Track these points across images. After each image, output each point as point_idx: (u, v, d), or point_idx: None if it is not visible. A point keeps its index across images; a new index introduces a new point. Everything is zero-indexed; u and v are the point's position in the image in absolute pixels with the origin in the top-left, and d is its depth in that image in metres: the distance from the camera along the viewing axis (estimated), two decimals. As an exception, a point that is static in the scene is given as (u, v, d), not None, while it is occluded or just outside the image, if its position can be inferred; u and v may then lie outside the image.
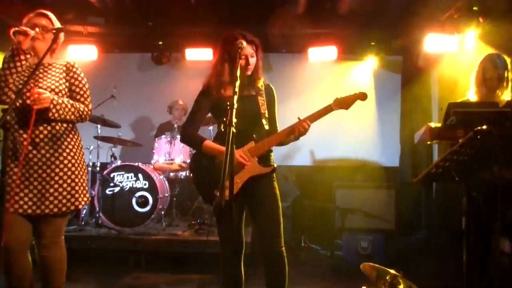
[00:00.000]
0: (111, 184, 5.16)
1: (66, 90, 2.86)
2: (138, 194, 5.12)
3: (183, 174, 5.68)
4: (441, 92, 6.30)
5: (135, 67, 6.93)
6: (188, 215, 5.85)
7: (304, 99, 6.34)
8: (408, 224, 5.77)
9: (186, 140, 3.01)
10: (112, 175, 5.19)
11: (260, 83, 2.94)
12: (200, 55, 6.30)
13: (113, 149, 5.72)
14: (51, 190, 2.74)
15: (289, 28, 5.83)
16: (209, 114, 3.08)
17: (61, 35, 2.85)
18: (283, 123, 2.99)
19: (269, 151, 2.93)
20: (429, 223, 6.11)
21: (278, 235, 2.85)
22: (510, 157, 2.50)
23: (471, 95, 3.27)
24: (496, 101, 3.13)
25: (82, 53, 6.20)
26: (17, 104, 2.71)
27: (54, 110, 2.70)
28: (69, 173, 2.81)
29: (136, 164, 5.27)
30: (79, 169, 2.88)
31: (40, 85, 2.75)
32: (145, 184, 5.15)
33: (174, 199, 5.71)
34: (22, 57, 2.64)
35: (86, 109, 2.91)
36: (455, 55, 5.46)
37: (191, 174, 3.08)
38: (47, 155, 2.75)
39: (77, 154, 2.89)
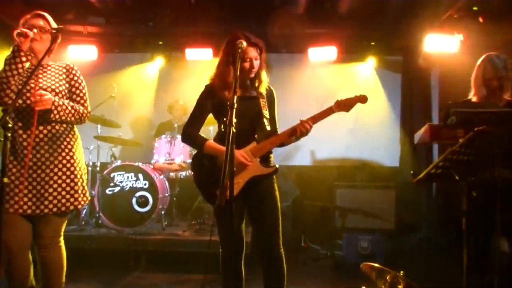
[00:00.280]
0: (111, 184, 5.16)
1: (66, 91, 2.88)
2: (138, 194, 5.12)
3: (183, 174, 5.68)
4: (441, 92, 6.31)
5: (134, 67, 6.92)
6: (188, 215, 5.86)
7: (304, 99, 6.34)
8: (408, 224, 5.77)
9: (188, 140, 3.02)
10: (112, 175, 5.19)
11: (264, 87, 2.96)
12: (200, 55, 6.29)
13: (113, 149, 5.73)
14: (50, 190, 2.76)
15: (289, 28, 5.84)
16: (210, 115, 3.08)
17: (60, 35, 2.86)
18: (283, 123, 3.00)
19: (269, 151, 2.94)
20: (429, 223, 6.11)
21: (276, 236, 2.87)
22: (509, 157, 2.51)
23: (472, 95, 3.28)
24: (496, 102, 3.14)
25: (82, 53, 6.21)
26: (17, 104, 2.72)
27: (55, 112, 2.72)
28: (68, 173, 2.82)
29: (136, 164, 5.27)
30: (78, 169, 2.89)
31: (41, 85, 2.77)
32: (145, 184, 5.15)
33: (174, 199, 5.71)
34: (24, 58, 2.66)
35: (85, 111, 2.94)
36: (455, 55, 5.47)
37: (193, 174, 3.08)
38: (46, 155, 2.77)
39: (76, 154, 2.91)
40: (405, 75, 6.67)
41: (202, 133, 2.99)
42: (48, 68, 2.90)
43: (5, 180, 2.41)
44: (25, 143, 2.73)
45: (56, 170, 2.78)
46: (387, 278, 2.88)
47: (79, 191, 2.87)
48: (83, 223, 5.30)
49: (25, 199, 2.72)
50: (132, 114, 6.82)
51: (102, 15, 6.03)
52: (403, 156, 6.55)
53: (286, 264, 2.90)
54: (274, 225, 2.86)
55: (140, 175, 5.17)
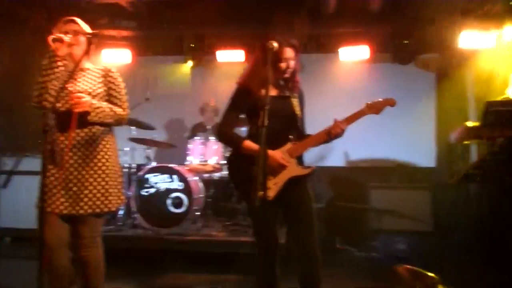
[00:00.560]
0: (146, 185, 5.24)
1: (104, 94, 2.93)
2: (173, 195, 5.18)
3: (217, 175, 5.71)
4: (477, 90, 6.14)
5: (168, 70, 7.02)
6: (223, 216, 5.88)
7: (335, 99, 6.28)
8: (446, 226, 5.64)
9: (224, 139, 3.03)
10: (147, 176, 5.28)
11: (298, 88, 2.96)
12: (231, 57, 6.34)
13: (147, 150, 5.82)
14: (86, 192, 2.82)
15: (320, 27, 5.81)
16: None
17: (95, 39, 2.93)
18: (314, 124, 2.99)
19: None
20: (467, 226, 5.95)
21: (313, 237, 2.85)
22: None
23: (511, 92, 3.19)
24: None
25: (116, 57, 6.35)
26: (56, 108, 2.81)
27: (93, 113, 2.78)
28: (103, 175, 2.88)
29: (171, 165, 5.34)
30: (113, 171, 2.94)
31: (78, 88, 2.84)
32: (180, 185, 5.20)
33: (209, 200, 5.75)
34: (60, 63, 2.74)
35: (123, 113, 2.97)
36: (492, 51, 5.32)
37: (229, 174, 3.08)
38: (83, 157, 2.84)
39: (112, 156, 2.96)
40: (440, 73, 6.53)
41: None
42: (87, 71, 2.97)
43: (45, 180, 2.51)
44: (63, 145, 2.81)
45: (91, 172, 2.85)
46: (425, 281, 2.84)
47: (113, 194, 2.92)
48: (120, 223, 5.40)
49: (62, 200, 2.80)
50: (165, 116, 6.91)
51: (134, 19, 6.14)
52: (439, 157, 6.40)
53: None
54: (310, 226, 2.85)
55: (175, 177, 5.22)
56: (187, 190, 5.17)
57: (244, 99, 2.92)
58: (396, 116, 6.11)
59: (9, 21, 5.63)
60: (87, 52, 2.91)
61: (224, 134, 2.97)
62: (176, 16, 6.01)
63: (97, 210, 2.84)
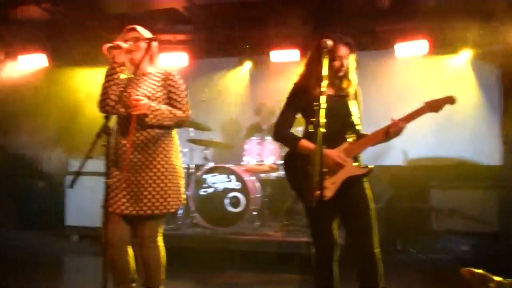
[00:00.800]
0: (205, 185, 5.35)
1: (164, 97, 3.00)
2: (230, 194, 5.25)
3: (274, 175, 5.72)
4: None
5: (223, 71, 7.11)
6: (280, 216, 5.88)
7: (392, 96, 6.13)
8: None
9: (281, 139, 3.03)
10: (205, 176, 5.38)
11: (354, 86, 2.92)
12: (286, 57, 6.33)
13: (205, 151, 5.93)
14: (145, 193, 2.91)
15: (375, 24, 5.69)
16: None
17: (154, 44, 3.02)
18: (371, 122, 2.94)
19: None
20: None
21: (372, 237, 2.79)
22: None
23: None
24: None
25: (172, 61, 6.51)
26: (118, 111, 2.92)
27: (151, 116, 2.85)
28: (162, 177, 2.95)
29: (228, 165, 5.41)
30: (173, 173, 3.01)
31: (138, 93, 2.93)
32: (237, 185, 5.26)
33: (266, 199, 5.78)
34: (118, 69, 2.89)
35: (183, 115, 3.01)
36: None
37: (286, 174, 3.06)
38: (143, 159, 2.92)
39: (172, 158, 3.03)
40: (505, 66, 6.20)
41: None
42: (149, 75, 3.05)
43: (109, 182, 2.63)
44: (124, 148, 2.91)
45: (151, 174, 2.93)
46: (491, 285, 2.71)
47: (173, 195, 2.98)
48: (179, 222, 5.53)
49: (123, 200, 2.90)
50: (222, 117, 7.00)
51: (190, 23, 6.27)
52: (507, 155, 6.08)
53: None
54: (369, 225, 2.80)
55: (232, 177, 5.29)
56: (244, 190, 5.22)
57: (300, 99, 2.91)
58: (455, 113, 5.91)
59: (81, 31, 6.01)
60: (149, 57, 3.02)
61: (280, 133, 2.98)
62: (230, 18, 6.08)
63: (156, 211, 2.92)
